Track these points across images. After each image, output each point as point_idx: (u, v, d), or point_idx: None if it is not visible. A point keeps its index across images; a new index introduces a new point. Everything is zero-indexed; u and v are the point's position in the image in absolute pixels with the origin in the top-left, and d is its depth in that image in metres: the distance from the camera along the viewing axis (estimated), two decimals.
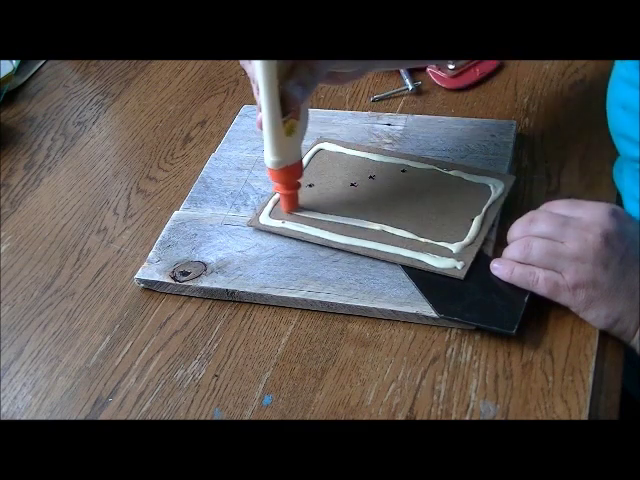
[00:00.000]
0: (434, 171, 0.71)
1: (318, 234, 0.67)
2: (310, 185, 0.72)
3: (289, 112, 0.62)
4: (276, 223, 0.69)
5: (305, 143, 0.77)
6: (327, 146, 0.76)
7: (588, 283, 0.56)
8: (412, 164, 0.72)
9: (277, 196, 0.71)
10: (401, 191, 0.70)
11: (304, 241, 0.67)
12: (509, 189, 0.68)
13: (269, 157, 0.64)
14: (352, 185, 0.72)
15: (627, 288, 0.56)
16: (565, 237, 0.58)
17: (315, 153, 0.76)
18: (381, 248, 0.65)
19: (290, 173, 0.66)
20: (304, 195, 0.70)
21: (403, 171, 0.72)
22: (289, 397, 0.58)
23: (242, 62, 0.64)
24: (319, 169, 0.74)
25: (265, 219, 0.69)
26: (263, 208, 0.70)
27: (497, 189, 0.68)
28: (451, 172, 0.71)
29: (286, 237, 0.68)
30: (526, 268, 0.59)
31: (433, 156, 0.74)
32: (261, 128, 0.63)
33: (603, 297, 0.56)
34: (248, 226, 0.69)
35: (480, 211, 0.66)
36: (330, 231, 0.67)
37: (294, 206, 0.69)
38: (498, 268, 0.61)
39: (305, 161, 0.74)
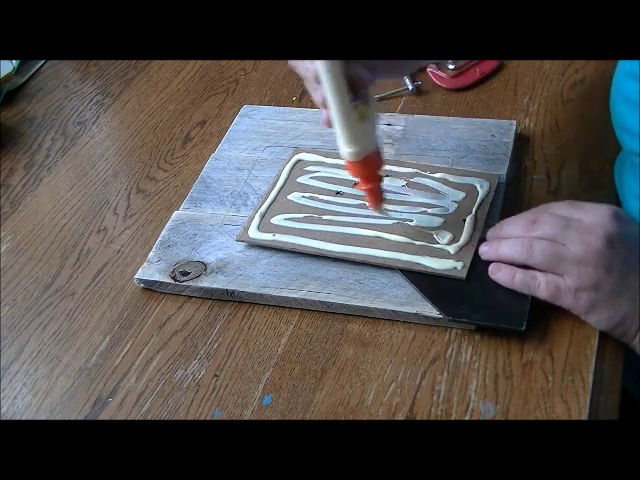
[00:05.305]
0: (418, 175, 0.71)
1: (312, 244, 0.66)
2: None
3: (358, 97, 0.58)
4: (267, 236, 0.67)
5: (281, 156, 0.76)
6: (305, 156, 0.75)
7: (590, 286, 0.56)
8: (394, 169, 0.72)
9: (263, 208, 0.69)
10: (388, 197, 0.69)
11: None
12: (495, 187, 0.68)
13: (346, 149, 0.59)
14: (338, 194, 0.71)
15: (629, 291, 0.56)
16: (567, 239, 0.57)
17: (294, 165, 0.74)
18: (378, 254, 0.64)
19: (370, 164, 0.61)
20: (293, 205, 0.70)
21: (386, 176, 0.71)
22: (289, 397, 0.58)
23: (291, 63, 0.61)
24: (302, 180, 0.73)
25: (254, 233, 0.68)
26: (250, 222, 0.69)
27: (483, 188, 0.68)
28: (435, 175, 0.71)
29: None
30: (527, 273, 0.59)
31: (433, 156, 0.74)
32: (329, 126, 0.59)
33: (605, 300, 0.56)
34: (237, 241, 0.68)
35: (470, 211, 0.66)
36: (323, 240, 0.66)
37: (380, 201, 0.64)
38: (498, 274, 0.60)
39: (285, 174, 0.73)
